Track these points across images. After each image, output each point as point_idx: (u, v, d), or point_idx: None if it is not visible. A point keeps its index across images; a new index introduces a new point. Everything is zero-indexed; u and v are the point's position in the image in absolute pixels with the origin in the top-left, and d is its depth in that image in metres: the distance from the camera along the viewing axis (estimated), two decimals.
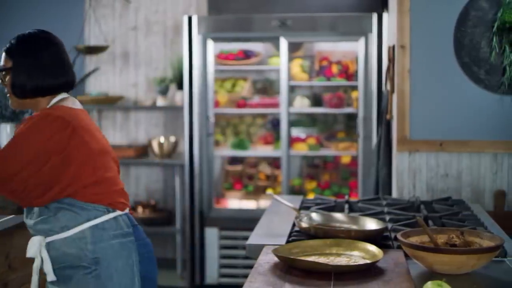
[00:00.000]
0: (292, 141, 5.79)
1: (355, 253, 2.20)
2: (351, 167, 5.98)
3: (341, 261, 2.14)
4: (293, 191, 5.86)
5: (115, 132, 5.63)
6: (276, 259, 2.16)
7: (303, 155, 5.98)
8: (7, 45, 2.45)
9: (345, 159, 6.02)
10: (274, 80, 5.92)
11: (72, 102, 2.46)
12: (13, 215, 2.91)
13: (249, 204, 5.68)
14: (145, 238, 2.51)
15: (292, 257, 2.12)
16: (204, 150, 5.37)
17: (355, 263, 2.10)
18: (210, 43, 5.31)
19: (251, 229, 2.82)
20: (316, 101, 5.92)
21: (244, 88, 5.80)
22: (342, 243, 2.26)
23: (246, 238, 2.68)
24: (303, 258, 2.14)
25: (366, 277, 2.00)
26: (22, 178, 2.31)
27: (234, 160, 6.03)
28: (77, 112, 2.43)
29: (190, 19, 5.23)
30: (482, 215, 2.98)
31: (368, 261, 2.10)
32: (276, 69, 5.67)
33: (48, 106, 2.43)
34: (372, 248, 2.18)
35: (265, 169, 6.15)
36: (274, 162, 6.07)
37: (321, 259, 2.14)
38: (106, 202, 2.38)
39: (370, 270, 2.06)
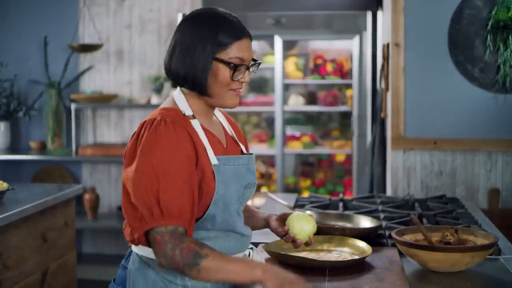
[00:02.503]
0: (286, 139, 5.80)
1: (346, 249, 2.21)
2: (345, 165, 5.99)
3: (332, 257, 2.15)
4: (288, 189, 5.86)
5: (109, 131, 5.62)
6: (268, 256, 2.15)
7: (298, 153, 5.99)
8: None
9: (340, 157, 6.02)
10: (269, 78, 5.92)
11: None
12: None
13: None
14: None
15: (282, 253, 2.11)
16: None
17: (344, 259, 2.11)
18: None
19: None
20: (311, 99, 5.93)
21: None
22: (333, 240, 2.26)
23: None
24: (293, 254, 2.13)
25: (359, 275, 2.00)
26: None
27: None
28: None
29: None
30: (476, 213, 2.98)
31: (356, 257, 2.11)
32: (270, 67, 5.67)
33: None
34: (362, 244, 2.19)
35: (260, 167, 6.14)
36: (269, 160, 6.07)
37: (312, 255, 2.15)
38: None
39: (364, 268, 2.06)
